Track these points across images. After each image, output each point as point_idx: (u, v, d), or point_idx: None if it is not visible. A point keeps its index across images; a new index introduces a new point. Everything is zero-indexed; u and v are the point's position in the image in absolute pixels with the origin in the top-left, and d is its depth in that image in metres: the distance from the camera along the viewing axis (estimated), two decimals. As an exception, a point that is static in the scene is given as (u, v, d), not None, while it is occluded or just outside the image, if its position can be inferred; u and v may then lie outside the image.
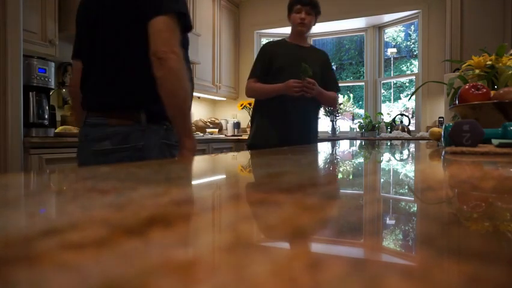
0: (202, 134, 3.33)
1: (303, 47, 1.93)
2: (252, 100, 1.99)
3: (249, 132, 1.98)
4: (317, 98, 1.83)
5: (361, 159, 0.77)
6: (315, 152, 0.92)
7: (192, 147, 1.02)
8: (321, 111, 2.12)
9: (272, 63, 1.83)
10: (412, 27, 4.02)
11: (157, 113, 1.01)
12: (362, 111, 4.00)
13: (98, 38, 1.01)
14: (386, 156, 0.85)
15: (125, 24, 0.98)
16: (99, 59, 1.01)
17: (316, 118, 2.01)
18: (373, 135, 3.47)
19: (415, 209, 0.25)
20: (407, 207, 0.26)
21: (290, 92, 1.73)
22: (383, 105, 3.93)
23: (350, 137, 3.75)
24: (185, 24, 0.99)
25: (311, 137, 1.91)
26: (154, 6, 0.94)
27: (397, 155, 0.87)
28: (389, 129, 3.53)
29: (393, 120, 3.59)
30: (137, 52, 0.97)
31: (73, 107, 1.18)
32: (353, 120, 3.89)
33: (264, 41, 4.09)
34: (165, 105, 0.97)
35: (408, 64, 4.29)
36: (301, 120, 1.85)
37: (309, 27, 1.91)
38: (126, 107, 0.99)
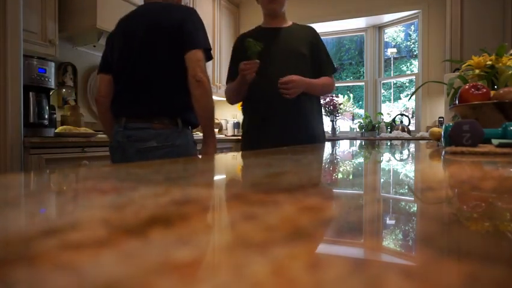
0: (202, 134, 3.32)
1: (281, 28, 1.62)
2: None
3: None
4: (307, 92, 1.54)
5: (361, 159, 0.77)
6: (315, 152, 0.92)
7: (214, 144, 1.41)
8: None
9: (249, 57, 1.49)
10: (412, 27, 4.02)
11: (188, 119, 1.35)
12: (362, 111, 4.00)
13: (143, 61, 1.30)
14: (386, 156, 0.85)
15: (167, 52, 1.29)
16: (142, 77, 1.30)
17: (317, 114, 1.67)
18: (373, 135, 3.48)
19: (415, 209, 0.25)
20: (407, 207, 0.25)
21: (244, 79, 1.50)
22: (383, 105, 3.94)
23: (350, 137, 3.75)
24: (208, 55, 1.33)
25: (311, 137, 1.59)
26: (192, 41, 1.28)
27: (397, 155, 0.87)
28: (389, 129, 3.53)
29: (393, 120, 3.59)
30: (176, 74, 1.29)
31: (102, 114, 1.43)
32: (353, 120, 3.90)
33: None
34: (198, 115, 1.32)
35: (408, 64, 4.30)
36: (296, 120, 1.55)
37: (282, 3, 1.61)
38: (168, 115, 1.30)
